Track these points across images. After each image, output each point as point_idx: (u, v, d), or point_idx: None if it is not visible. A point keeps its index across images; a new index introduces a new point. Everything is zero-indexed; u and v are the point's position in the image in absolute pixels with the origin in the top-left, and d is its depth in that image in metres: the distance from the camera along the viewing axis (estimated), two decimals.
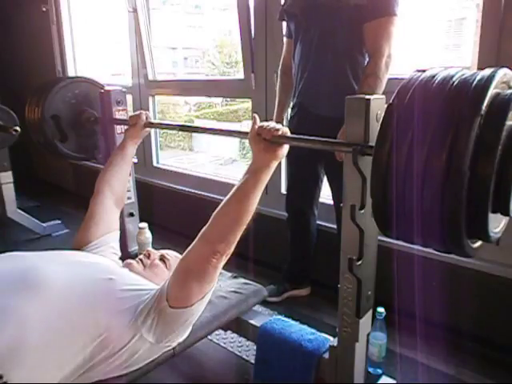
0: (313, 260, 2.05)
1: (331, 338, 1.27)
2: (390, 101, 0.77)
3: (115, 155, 1.53)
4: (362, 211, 0.97)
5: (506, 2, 1.48)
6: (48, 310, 0.92)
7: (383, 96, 1.02)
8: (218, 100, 7.17)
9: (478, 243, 0.77)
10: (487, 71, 0.71)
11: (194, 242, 1.05)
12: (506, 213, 0.72)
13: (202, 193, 2.62)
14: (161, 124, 1.69)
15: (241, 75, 2.39)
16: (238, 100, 6.47)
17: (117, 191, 1.45)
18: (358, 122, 0.97)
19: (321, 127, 1.70)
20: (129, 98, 2.12)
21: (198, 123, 7.42)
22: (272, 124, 1.09)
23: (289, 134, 1.10)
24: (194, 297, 1.03)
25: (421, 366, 1.53)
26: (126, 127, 1.81)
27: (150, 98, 2.98)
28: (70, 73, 3.64)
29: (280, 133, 1.07)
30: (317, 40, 1.65)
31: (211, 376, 1.58)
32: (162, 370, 1.30)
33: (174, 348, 1.15)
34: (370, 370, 1.20)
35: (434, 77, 0.74)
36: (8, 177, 2.67)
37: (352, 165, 0.95)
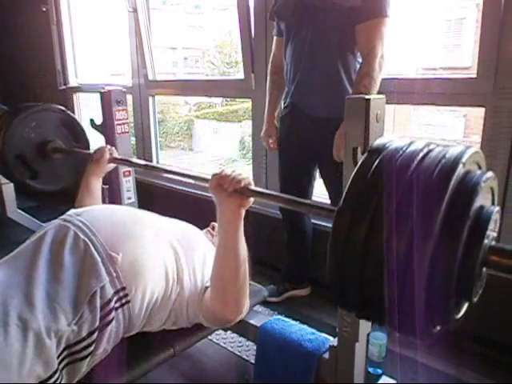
0: (309, 259, 2.05)
1: (331, 338, 1.27)
2: (354, 172, 0.69)
3: (82, 193, 1.50)
4: None
5: (505, 2, 1.48)
6: (158, 240, 1.12)
7: (383, 96, 1.02)
8: (218, 100, 7.17)
9: (438, 327, 0.71)
10: (456, 149, 0.65)
11: (208, 305, 1.09)
12: (468, 298, 0.68)
13: (202, 193, 2.62)
14: (125, 160, 1.62)
15: (241, 75, 2.39)
16: (238, 100, 6.48)
17: None
18: (358, 121, 0.97)
19: (314, 127, 1.73)
20: (129, 98, 2.12)
21: (197, 122, 7.40)
22: (234, 174, 1.02)
23: (252, 186, 1.02)
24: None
25: (421, 366, 1.53)
26: (126, 127, 1.81)
27: (150, 98, 2.98)
28: (70, 73, 3.64)
29: (242, 185, 0.99)
30: (309, 40, 1.64)
31: (211, 376, 1.58)
32: (162, 370, 1.30)
33: (174, 348, 1.16)
34: (370, 369, 1.20)
35: (401, 149, 0.68)
36: None
37: (352, 165, 0.95)
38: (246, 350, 1.66)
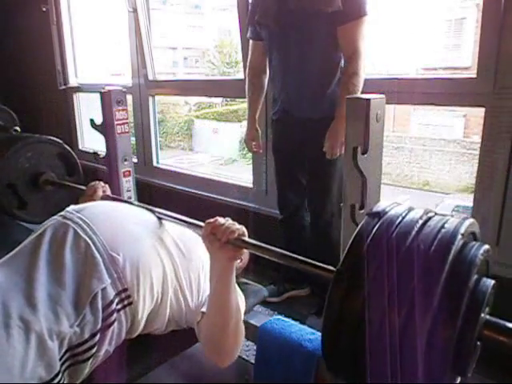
0: (310, 257, 2.05)
1: None
2: (353, 236, 0.69)
3: None
4: (362, 211, 0.97)
5: (505, 2, 1.48)
6: (157, 240, 1.11)
7: (383, 96, 1.03)
8: (218, 100, 7.18)
9: None
10: (455, 220, 0.66)
11: (203, 342, 1.08)
12: (463, 374, 0.66)
13: (202, 193, 2.62)
14: (118, 199, 1.61)
15: (241, 75, 2.39)
16: (238, 100, 6.48)
17: None
18: (358, 121, 0.97)
19: (305, 129, 1.76)
20: (129, 98, 2.12)
21: (197, 122, 7.39)
22: (228, 223, 1.01)
23: (245, 236, 1.00)
24: None
25: None
26: (126, 127, 1.81)
27: (150, 98, 2.98)
28: (70, 73, 3.64)
29: (236, 235, 0.98)
30: (295, 46, 1.66)
31: (211, 376, 1.58)
32: (162, 370, 1.30)
33: (173, 348, 1.16)
34: None
35: (399, 217, 0.67)
36: None
37: (352, 165, 0.95)
38: (246, 350, 1.66)
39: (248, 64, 1.91)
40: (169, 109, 7.56)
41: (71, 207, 1.11)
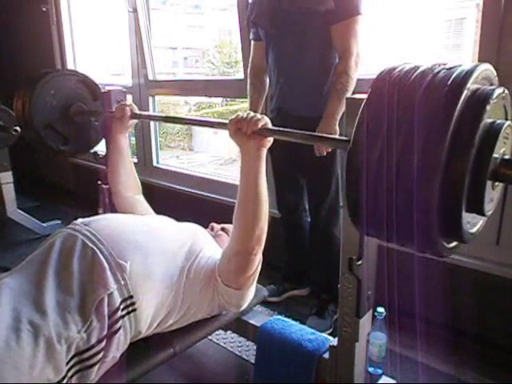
0: (310, 257, 2.05)
1: (331, 338, 1.27)
2: (366, 95, 0.74)
3: (111, 153, 1.53)
4: None
5: (505, 2, 1.48)
6: (163, 247, 1.13)
7: None
8: (218, 100, 7.17)
9: (454, 243, 0.73)
10: (467, 66, 0.67)
11: (229, 245, 1.13)
12: (481, 212, 0.68)
13: (202, 193, 2.62)
14: (145, 115, 1.65)
15: (241, 75, 2.39)
16: (237, 100, 6.47)
17: (129, 185, 1.49)
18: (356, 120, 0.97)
19: (300, 127, 1.72)
20: (129, 97, 2.12)
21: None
22: (250, 115, 1.05)
23: (269, 125, 1.06)
24: (241, 284, 1.15)
25: (421, 365, 1.53)
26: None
27: (150, 98, 2.98)
28: None
29: (260, 125, 1.03)
30: (289, 45, 1.67)
31: (211, 376, 1.58)
32: (162, 370, 1.30)
33: (174, 348, 1.16)
34: (370, 369, 1.20)
35: (411, 71, 0.70)
36: (8, 177, 2.67)
37: None
38: (246, 350, 1.66)
39: (249, 64, 1.92)
40: (169, 109, 7.55)
41: (79, 220, 1.14)
